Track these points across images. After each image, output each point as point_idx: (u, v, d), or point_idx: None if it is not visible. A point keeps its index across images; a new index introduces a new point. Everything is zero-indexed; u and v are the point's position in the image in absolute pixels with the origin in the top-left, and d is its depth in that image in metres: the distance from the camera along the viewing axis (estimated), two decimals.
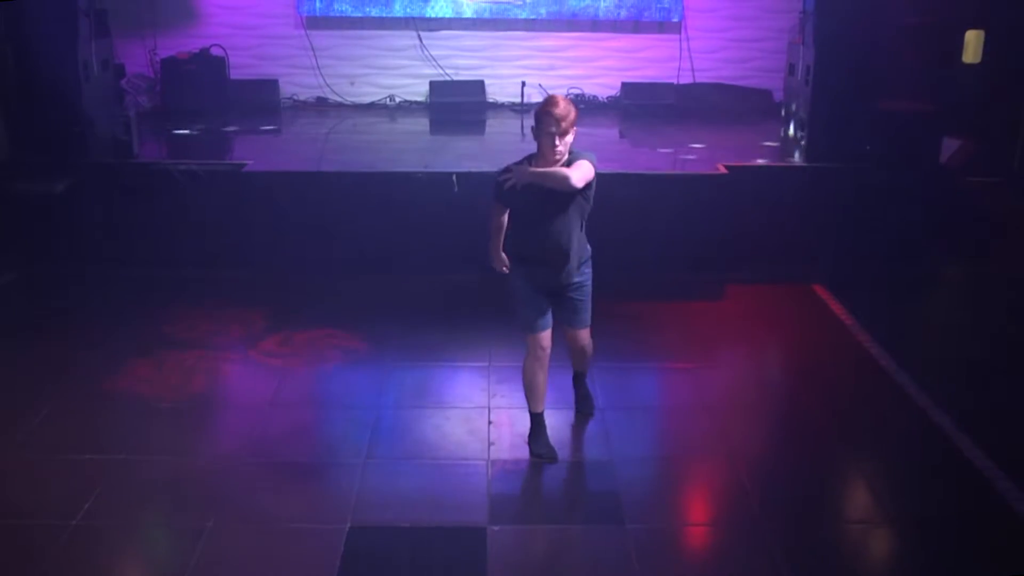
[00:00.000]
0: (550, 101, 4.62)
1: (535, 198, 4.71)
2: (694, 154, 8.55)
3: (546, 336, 5.02)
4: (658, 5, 10.89)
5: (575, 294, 5.02)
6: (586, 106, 10.50)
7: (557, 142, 4.57)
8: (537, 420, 5.17)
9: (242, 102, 10.55)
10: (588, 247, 5.03)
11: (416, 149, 9.31)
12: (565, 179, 4.56)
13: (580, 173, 4.59)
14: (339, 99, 11.02)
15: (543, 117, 4.58)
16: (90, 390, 5.91)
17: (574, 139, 4.70)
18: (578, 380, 5.59)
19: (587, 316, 5.13)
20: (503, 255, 5.09)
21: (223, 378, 6.40)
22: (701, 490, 5.15)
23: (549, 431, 5.20)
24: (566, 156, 4.68)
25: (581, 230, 4.90)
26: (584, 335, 5.20)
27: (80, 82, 8.24)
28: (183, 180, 7.72)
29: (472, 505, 4.74)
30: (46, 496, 4.75)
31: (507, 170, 4.76)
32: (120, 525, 4.56)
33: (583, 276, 5.01)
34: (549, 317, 5.03)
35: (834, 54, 8.17)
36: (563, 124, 4.55)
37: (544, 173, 4.62)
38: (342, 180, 7.71)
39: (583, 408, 5.60)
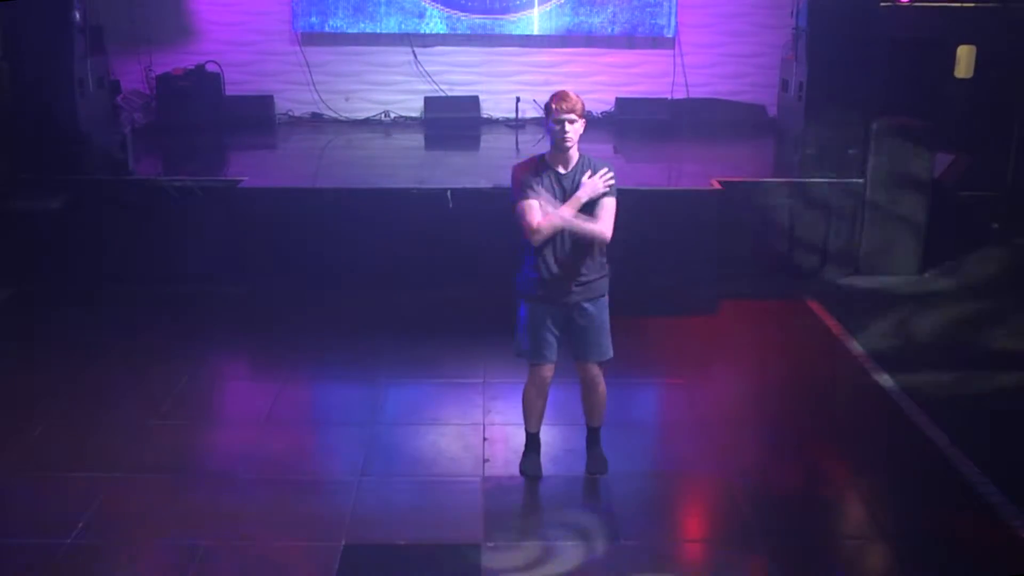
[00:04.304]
0: (560, 93, 4.67)
1: (557, 202, 4.65)
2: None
3: (546, 368, 4.92)
4: (652, 20, 10.95)
5: (583, 322, 4.81)
6: None
7: (568, 128, 4.61)
8: (531, 439, 5.17)
9: (237, 118, 10.57)
10: (606, 276, 4.85)
11: (411, 165, 9.36)
12: (601, 234, 4.64)
13: (609, 222, 4.66)
14: (334, 115, 11.06)
15: (554, 106, 4.63)
16: (85, 408, 5.90)
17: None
18: (592, 438, 5.20)
19: (598, 350, 4.89)
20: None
21: (218, 395, 6.41)
22: (696, 506, 5.16)
23: (544, 446, 5.19)
24: (576, 144, 4.69)
25: (601, 254, 4.80)
26: (591, 369, 4.95)
27: (76, 99, 8.27)
28: (179, 196, 7.73)
29: (467, 522, 4.73)
30: (41, 515, 4.74)
31: (518, 168, 4.75)
32: (115, 544, 4.54)
33: (595, 306, 4.82)
34: (552, 350, 4.87)
35: (827, 70, 8.22)
36: (574, 112, 4.62)
37: (580, 226, 4.62)
38: (337, 196, 7.72)
39: (594, 469, 5.16)
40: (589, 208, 4.66)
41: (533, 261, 4.77)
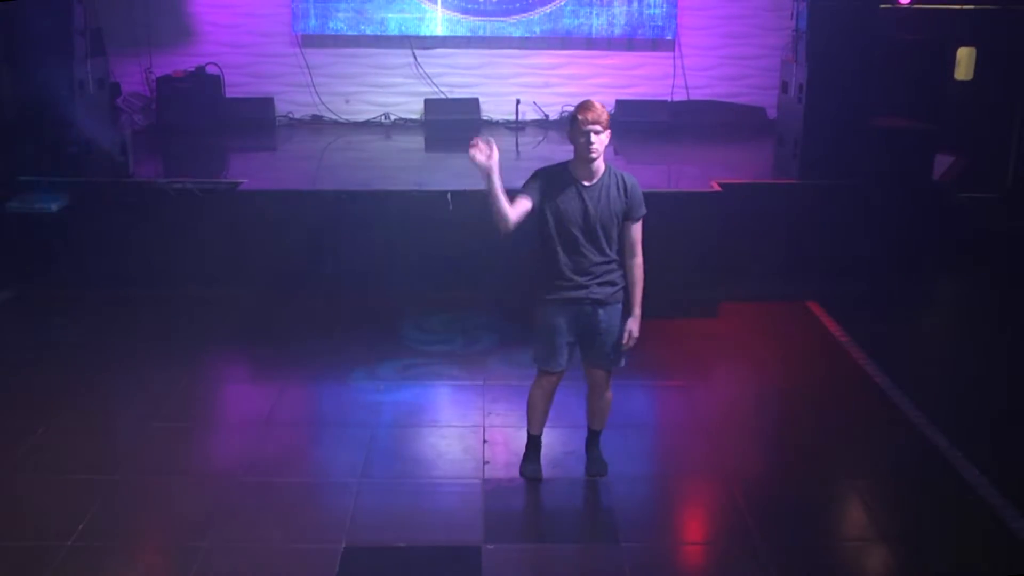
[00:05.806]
0: (586, 104, 4.66)
1: (578, 215, 4.67)
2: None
3: (556, 375, 4.93)
4: (652, 23, 10.94)
5: (598, 330, 4.81)
6: None
7: (593, 139, 4.59)
8: (532, 441, 5.17)
9: (237, 120, 10.56)
10: (624, 285, 4.85)
11: (411, 167, 9.34)
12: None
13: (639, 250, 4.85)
14: (334, 117, 11.05)
15: (580, 117, 4.61)
16: (85, 409, 5.90)
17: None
18: (592, 441, 5.22)
19: (612, 358, 4.91)
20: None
21: (218, 397, 6.41)
22: (696, 509, 5.16)
23: (544, 448, 5.19)
24: (602, 156, 4.68)
25: (617, 254, 4.80)
26: (600, 375, 4.97)
27: (75, 101, 8.25)
28: (179, 199, 7.72)
29: (467, 524, 4.73)
30: (41, 517, 4.74)
31: (539, 171, 4.77)
32: (115, 546, 4.55)
33: (610, 314, 4.82)
34: (565, 357, 4.87)
35: (827, 72, 8.20)
36: (600, 123, 4.60)
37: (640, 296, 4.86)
38: (337, 198, 7.71)
39: (594, 471, 5.18)
40: (610, 227, 4.74)
41: (551, 262, 4.76)
